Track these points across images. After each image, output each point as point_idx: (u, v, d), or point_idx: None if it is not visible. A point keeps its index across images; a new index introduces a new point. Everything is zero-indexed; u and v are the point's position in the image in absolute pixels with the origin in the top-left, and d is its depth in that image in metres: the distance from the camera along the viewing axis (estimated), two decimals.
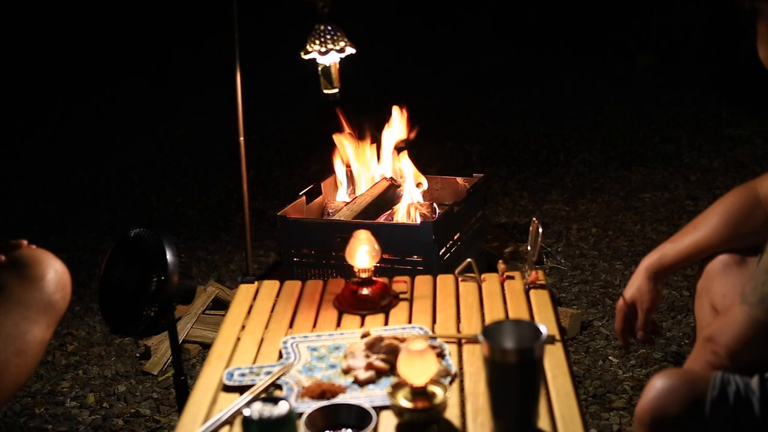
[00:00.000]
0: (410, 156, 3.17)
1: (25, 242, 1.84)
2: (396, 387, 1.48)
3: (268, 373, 1.63)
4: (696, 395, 1.43)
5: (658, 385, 1.44)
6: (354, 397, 1.54)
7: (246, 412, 1.35)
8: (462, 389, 1.56)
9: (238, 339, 1.82)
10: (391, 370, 1.60)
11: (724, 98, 5.52)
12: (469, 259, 2.00)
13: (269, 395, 1.56)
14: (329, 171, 3.25)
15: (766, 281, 1.43)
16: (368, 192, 3.12)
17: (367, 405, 1.46)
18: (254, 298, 2.00)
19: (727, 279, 1.78)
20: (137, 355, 2.89)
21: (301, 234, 2.89)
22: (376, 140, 3.23)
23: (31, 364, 1.75)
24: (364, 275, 1.94)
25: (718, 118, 5.17)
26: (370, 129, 3.23)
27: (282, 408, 1.34)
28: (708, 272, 1.82)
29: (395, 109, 3.20)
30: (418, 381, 1.45)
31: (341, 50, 2.70)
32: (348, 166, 3.24)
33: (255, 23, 4.41)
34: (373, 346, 1.66)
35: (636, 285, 1.86)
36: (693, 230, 1.83)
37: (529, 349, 1.38)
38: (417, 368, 1.44)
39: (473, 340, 1.70)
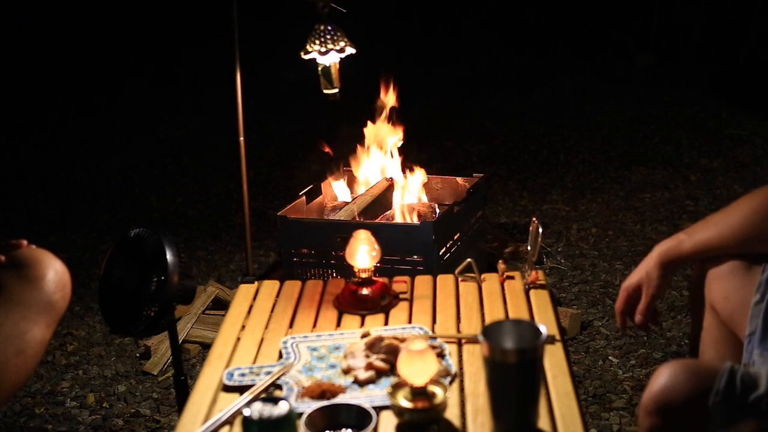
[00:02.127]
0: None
1: (25, 242, 1.84)
2: (396, 387, 1.48)
3: (268, 373, 1.62)
4: (702, 386, 1.43)
5: (664, 374, 1.45)
6: (354, 397, 1.54)
7: (246, 412, 1.35)
8: (462, 389, 1.56)
9: (238, 339, 1.81)
10: (391, 370, 1.60)
11: (724, 98, 5.52)
12: (469, 259, 2.00)
13: (269, 395, 1.56)
14: (327, 174, 3.25)
15: None
16: (368, 192, 3.12)
17: (367, 405, 1.46)
18: (254, 298, 2.00)
19: (731, 282, 1.76)
20: (137, 355, 2.89)
21: (301, 234, 2.89)
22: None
23: (31, 364, 1.75)
24: (364, 275, 1.94)
25: (718, 118, 5.17)
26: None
27: (282, 408, 1.34)
28: (710, 272, 1.81)
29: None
30: (418, 381, 1.45)
31: (341, 50, 2.70)
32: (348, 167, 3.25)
33: (255, 23, 4.42)
34: (373, 346, 1.66)
35: (645, 268, 1.80)
36: (713, 225, 1.74)
37: (529, 349, 1.38)
38: (417, 368, 1.44)
39: (473, 340, 1.70)
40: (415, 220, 2.97)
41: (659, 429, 1.45)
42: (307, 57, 2.70)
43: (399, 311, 1.90)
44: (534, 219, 1.97)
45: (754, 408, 1.41)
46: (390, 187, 3.16)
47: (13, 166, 5.13)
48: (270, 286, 2.05)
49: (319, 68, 2.73)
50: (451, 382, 1.57)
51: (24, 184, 4.82)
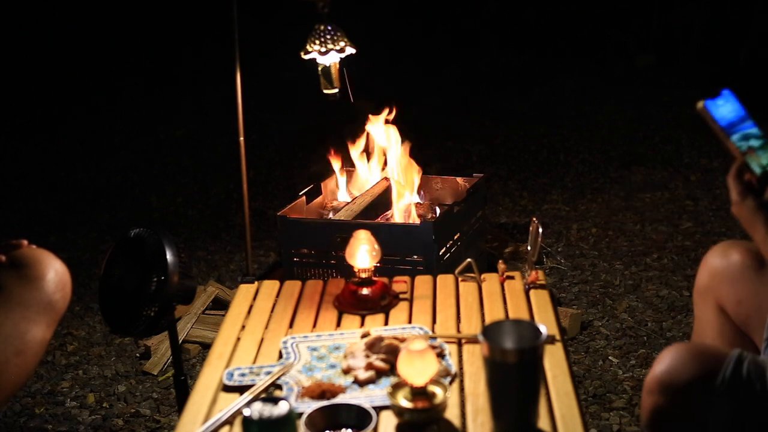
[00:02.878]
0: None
1: (25, 242, 1.84)
2: (396, 387, 1.48)
3: (268, 373, 1.63)
4: (706, 368, 1.44)
5: (669, 356, 1.45)
6: (354, 397, 1.54)
7: (246, 412, 1.35)
8: (462, 389, 1.56)
9: (238, 339, 1.82)
10: (391, 370, 1.60)
11: None
12: (469, 259, 2.00)
13: (269, 395, 1.57)
14: (329, 171, 3.25)
15: None
16: (368, 192, 3.12)
17: (367, 405, 1.46)
18: (254, 298, 2.00)
19: (744, 284, 1.74)
20: (137, 355, 2.89)
21: (301, 234, 2.89)
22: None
23: (31, 364, 1.75)
24: (364, 275, 1.94)
25: None
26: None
27: (282, 408, 1.34)
28: (715, 269, 1.79)
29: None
30: (418, 381, 1.45)
31: (341, 50, 2.70)
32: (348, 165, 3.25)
33: (255, 23, 4.42)
34: (373, 346, 1.66)
35: None
36: None
37: (529, 349, 1.38)
38: (417, 368, 1.44)
39: (473, 340, 1.70)
40: (416, 221, 2.97)
41: (661, 409, 1.45)
42: (307, 57, 2.70)
43: (399, 311, 1.90)
44: (534, 219, 1.97)
45: (761, 397, 1.42)
46: (390, 187, 3.16)
47: (13, 166, 5.13)
48: (270, 286, 2.05)
49: (319, 68, 2.73)
50: (451, 382, 1.57)
51: (24, 184, 4.82)
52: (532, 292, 1.93)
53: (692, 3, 6.51)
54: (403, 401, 1.45)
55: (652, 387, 1.46)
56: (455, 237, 2.93)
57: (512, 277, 2.00)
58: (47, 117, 6.03)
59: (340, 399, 1.53)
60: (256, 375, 1.63)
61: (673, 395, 1.44)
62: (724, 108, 1.59)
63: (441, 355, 1.64)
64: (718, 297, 1.79)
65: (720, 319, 1.80)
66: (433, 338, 1.72)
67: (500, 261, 2.05)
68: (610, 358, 2.72)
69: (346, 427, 1.45)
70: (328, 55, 2.69)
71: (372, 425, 1.41)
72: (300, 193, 3.10)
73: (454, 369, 1.61)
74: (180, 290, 1.88)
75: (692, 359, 1.45)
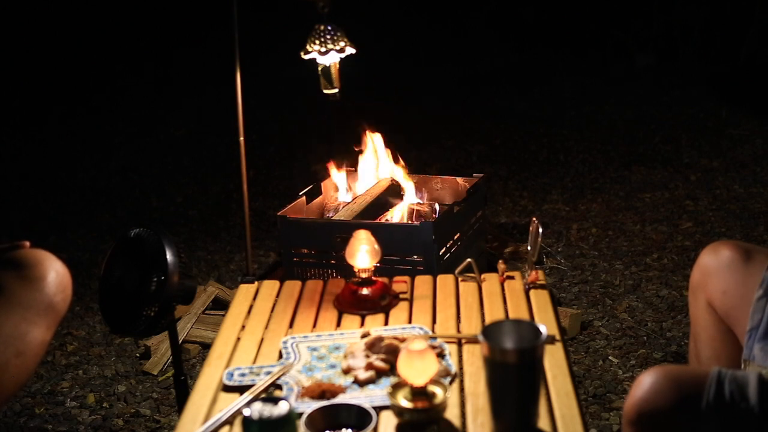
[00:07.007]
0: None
1: (27, 243, 1.83)
2: (396, 387, 1.48)
3: (268, 373, 1.63)
4: (684, 392, 1.42)
5: (646, 382, 1.43)
6: (354, 397, 1.54)
7: (246, 412, 1.35)
8: (462, 389, 1.56)
9: (238, 339, 1.82)
10: (391, 370, 1.60)
11: (724, 98, 5.52)
12: (469, 259, 2.00)
13: (269, 395, 1.57)
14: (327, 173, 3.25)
15: None
16: (368, 192, 3.12)
17: (367, 405, 1.46)
18: (254, 298, 2.00)
19: (729, 275, 1.75)
20: (137, 355, 2.89)
21: (301, 234, 2.89)
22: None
23: (32, 365, 1.75)
24: (364, 275, 1.94)
25: (718, 118, 5.17)
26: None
27: (282, 408, 1.34)
28: (706, 266, 1.79)
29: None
30: (418, 381, 1.45)
31: (341, 50, 2.70)
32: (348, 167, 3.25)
33: (255, 23, 4.42)
34: (373, 346, 1.66)
35: None
36: None
37: (529, 349, 1.38)
38: (417, 368, 1.44)
39: (473, 340, 1.70)
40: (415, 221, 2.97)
41: None
42: (307, 57, 2.70)
43: (399, 311, 1.90)
44: (534, 219, 1.97)
45: (747, 414, 1.41)
46: (390, 187, 3.16)
47: (13, 165, 5.13)
48: (270, 286, 2.05)
49: (319, 68, 2.73)
50: (451, 382, 1.57)
51: (24, 184, 4.82)
52: (532, 292, 1.93)
53: (692, 3, 6.50)
54: (403, 401, 1.45)
55: (631, 417, 1.43)
56: (455, 237, 2.93)
57: (512, 277, 2.00)
58: (48, 117, 6.03)
59: (340, 399, 1.53)
60: (256, 375, 1.63)
61: (653, 424, 1.41)
62: None
63: (441, 355, 1.64)
64: (707, 292, 1.79)
65: (711, 317, 1.80)
66: (433, 338, 1.73)
67: (500, 261, 2.05)
68: (610, 358, 2.73)
69: (346, 427, 1.45)
70: (328, 55, 2.69)
71: (372, 425, 1.41)
72: (300, 193, 3.10)
73: (454, 369, 1.61)
74: (180, 290, 1.88)
75: (670, 385, 1.42)
